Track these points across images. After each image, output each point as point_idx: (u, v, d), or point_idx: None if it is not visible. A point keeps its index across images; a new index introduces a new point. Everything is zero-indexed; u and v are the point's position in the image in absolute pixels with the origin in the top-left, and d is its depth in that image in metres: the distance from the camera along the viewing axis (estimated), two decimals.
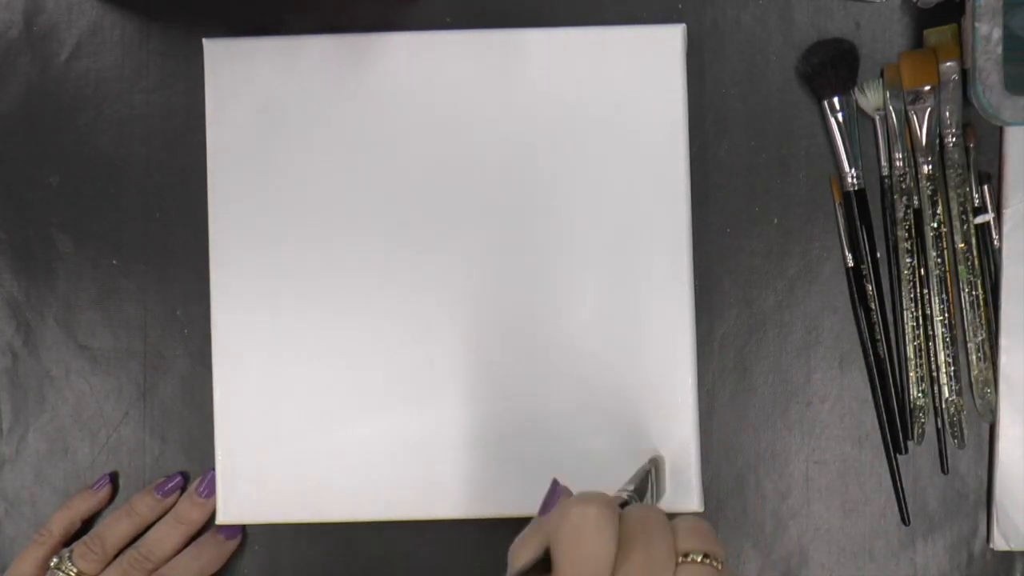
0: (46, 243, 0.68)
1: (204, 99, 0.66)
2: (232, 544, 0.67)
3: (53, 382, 0.68)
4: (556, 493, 0.51)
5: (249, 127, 0.65)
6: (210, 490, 0.66)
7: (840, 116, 0.66)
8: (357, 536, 0.67)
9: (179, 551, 0.66)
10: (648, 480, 0.59)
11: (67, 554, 0.64)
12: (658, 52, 0.64)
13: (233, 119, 0.65)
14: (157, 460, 0.68)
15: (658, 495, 0.62)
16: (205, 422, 0.67)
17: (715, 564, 0.48)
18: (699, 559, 0.48)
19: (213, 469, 0.66)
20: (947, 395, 0.66)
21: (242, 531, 0.67)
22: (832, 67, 0.66)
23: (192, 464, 0.68)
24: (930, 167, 0.65)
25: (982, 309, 0.66)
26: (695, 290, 0.65)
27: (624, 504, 0.51)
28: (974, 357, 0.66)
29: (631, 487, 0.56)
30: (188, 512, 0.66)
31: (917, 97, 0.65)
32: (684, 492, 0.64)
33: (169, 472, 0.68)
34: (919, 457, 0.67)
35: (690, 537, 0.48)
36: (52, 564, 0.65)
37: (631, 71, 0.64)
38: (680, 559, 0.48)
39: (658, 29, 0.65)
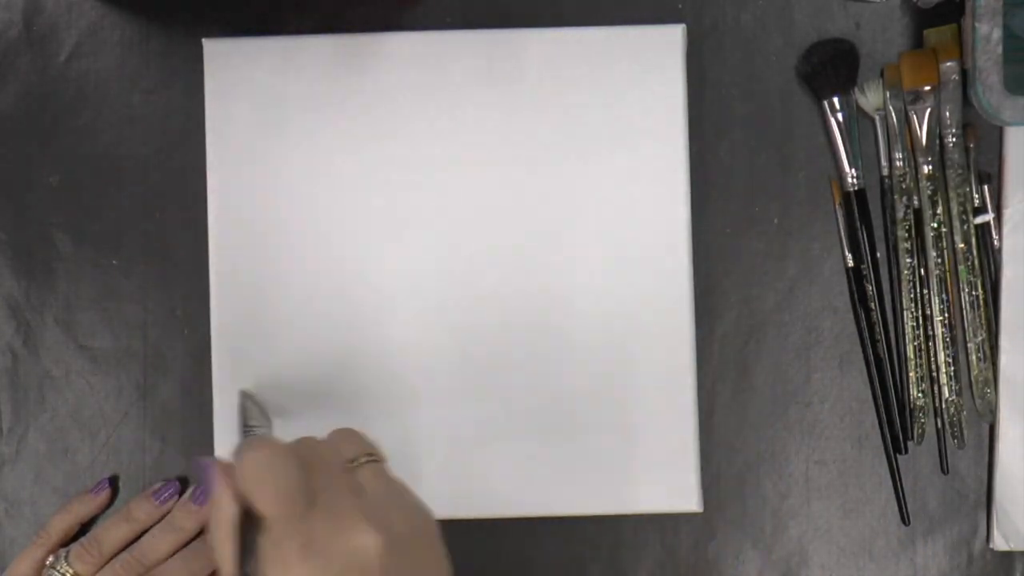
0: (46, 243, 0.68)
1: (204, 99, 0.66)
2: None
3: (53, 382, 0.68)
4: (208, 469, 0.53)
5: (249, 127, 0.65)
6: (205, 499, 0.66)
7: (840, 116, 0.66)
8: None
9: (172, 555, 0.66)
10: (261, 410, 0.63)
11: (63, 555, 0.64)
12: (658, 52, 0.64)
13: (233, 119, 0.65)
14: (157, 460, 0.68)
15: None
16: (205, 422, 0.67)
17: (377, 458, 0.53)
18: (363, 461, 0.52)
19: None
20: (947, 395, 0.66)
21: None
22: (832, 67, 0.66)
23: (192, 464, 0.68)
24: (930, 167, 0.65)
25: (982, 309, 0.66)
26: (695, 290, 0.65)
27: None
28: (974, 357, 0.66)
29: (260, 425, 0.61)
30: (182, 520, 0.66)
31: (917, 97, 0.65)
32: (684, 492, 0.64)
33: (169, 473, 0.68)
34: (919, 457, 0.67)
35: (346, 443, 0.53)
36: (48, 563, 0.65)
37: (631, 71, 0.64)
38: (351, 465, 0.52)
39: (658, 29, 0.65)
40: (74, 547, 0.65)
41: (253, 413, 0.62)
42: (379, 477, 0.52)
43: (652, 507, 0.65)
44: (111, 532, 0.65)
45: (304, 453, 0.51)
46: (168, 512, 0.66)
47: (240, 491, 0.50)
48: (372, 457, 0.53)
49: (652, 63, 0.64)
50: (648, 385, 0.64)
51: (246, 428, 0.61)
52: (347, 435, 0.54)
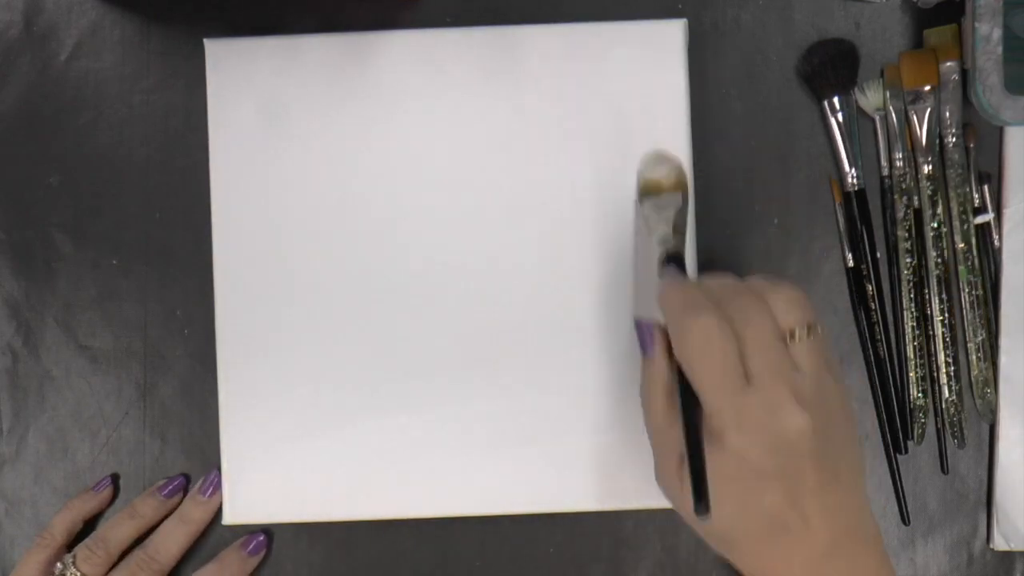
0: (46, 243, 0.68)
1: (204, 99, 0.66)
2: (255, 560, 0.66)
3: (53, 382, 0.68)
4: (647, 330, 0.54)
5: (250, 127, 0.65)
6: (213, 489, 0.66)
7: (840, 116, 0.66)
8: (358, 535, 0.67)
9: (185, 551, 0.66)
10: (684, 216, 0.59)
11: (70, 559, 0.64)
12: (660, 48, 0.64)
13: (234, 119, 0.65)
14: (157, 460, 0.68)
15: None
16: (205, 422, 0.67)
17: (818, 331, 0.52)
18: (806, 334, 0.51)
19: (216, 468, 0.66)
20: (947, 395, 0.66)
21: (266, 547, 0.67)
22: (832, 67, 0.66)
23: (192, 464, 0.68)
24: (930, 167, 0.65)
25: (982, 309, 0.66)
26: None
27: (674, 260, 0.55)
28: (974, 357, 0.66)
29: (674, 234, 0.57)
30: (192, 512, 0.66)
31: (917, 97, 0.65)
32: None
33: (170, 472, 0.68)
34: (919, 457, 0.67)
35: (789, 311, 0.51)
36: (56, 571, 0.64)
37: (633, 67, 0.64)
38: (788, 338, 0.51)
39: (659, 24, 0.65)
40: (80, 548, 0.65)
41: (675, 220, 0.58)
42: (816, 354, 0.52)
43: (655, 504, 0.64)
44: (116, 530, 0.65)
45: (742, 325, 0.51)
46: (174, 507, 0.67)
47: (677, 356, 0.52)
48: (812, 329, 0.52)
49: (653, 59, 0.64)
50: None
51: (668, 246, 0.57)
52: (791, 301, 0.52)
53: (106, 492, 0.67)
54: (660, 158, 0.61)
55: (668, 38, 0.64)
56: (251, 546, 0.66)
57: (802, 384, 0.51)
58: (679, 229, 0.58)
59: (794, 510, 0.51)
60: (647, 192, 0.61)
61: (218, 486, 0.66)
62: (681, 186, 0.61)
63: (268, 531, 0.67)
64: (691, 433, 0.51)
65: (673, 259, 0.56)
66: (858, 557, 0.53)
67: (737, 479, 0.51)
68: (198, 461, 0.68)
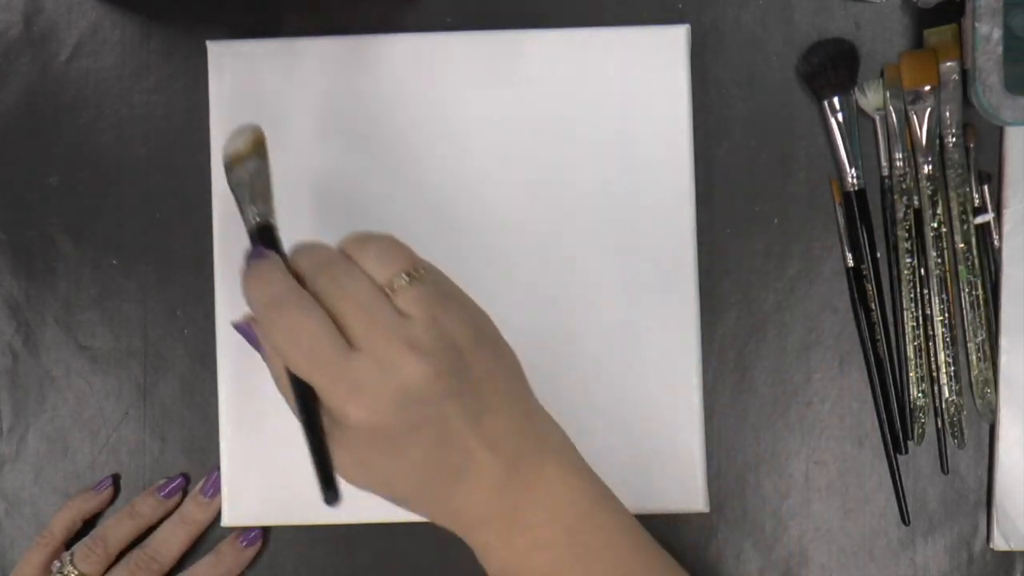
0: (46, 243, 0.68)
1: (204, 99, 0.66)
2: (251, 551, 0.66)
3: (53, 382, 0.68)
4: (248, 332, 0.52)
5: (255, 124, 0.65)
6: (215, 490, 0.66)
7: (840, 116, 0.66)
8: (357, 537, 0.67)
9: (185, 551, 0.66)
10: (266, 179, 0.55)
11: (68, 557, 0.64)
12: (662, 53, 0.64)
13: (236, 120, 0.65)
14: (157, 460, 0.68)
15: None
16: (205, 422, 0.67)
17: (421, 274, 0.49)
18: (406, 281, 0.49)
19: (217, 469, 0.66)
20: (947, 395, 0.66)
21: (261, 538, 0.67)
22: (832, 67, 0.66)
23: (192, 464, 0.68)
24: (930, 167, 0.65)
25: (982, 309, 0.66)
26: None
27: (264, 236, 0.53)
28: (974, 357, 0.66)
29: (257, 203, 0.54)
30: (193, 512, 0.66)
31: (917, 97, 0.65)
32: (690, 493, 0.64)
33: (169, 472, 0.68)
34: (919, 457, 0.67)
35: (382, 263, 0.49)
36: (54, 568, 0.64)
37: (635, 72, 0.64)
38: (388, 291, 0.49)
39: (662, 30, 0.65)
40: (78, 547, 0.65)
41: (251, 185, 0.55)
42: (424, 297, 0.49)
43: (658, 507, 0.65)
44: (115, 529, 0.65)
45: (335, 297, 0.49)
46: (173, 507, 0.67)
47: (275, 352, 0.50)
48: (414, 274, 0.50)
49: (656, 64, 0.64)
50: (653, 386, 0.64)
51: (249, 218, 0.54)
52: (383, 252, 0.50)
53: (106, 492, 0.67)
54: (236, 131, 0.56)
55: (670, 43, 0.64)
56: (247, 539, 0.66)
57: (413, 331, 0.48)
58: (262, 195, 0.54)
59: (454, 452, 0.50)
60: (231, 164, 0.55)
61: (220, 487, 0.66)
62: (261, 149, 0.56)
63: (266, 529, 0.67)
64: (308, 424, 0.49)
65: (260, 235, 0.53)
66: (542, 468, 0.52)
67: (378, 447, 0.49)
68: (198, 461, 0.68)
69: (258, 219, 0.54)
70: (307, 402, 0.50)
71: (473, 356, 0.50)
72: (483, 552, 0.53)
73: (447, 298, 0.51)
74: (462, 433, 0.50)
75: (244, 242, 0.64)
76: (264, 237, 0.54)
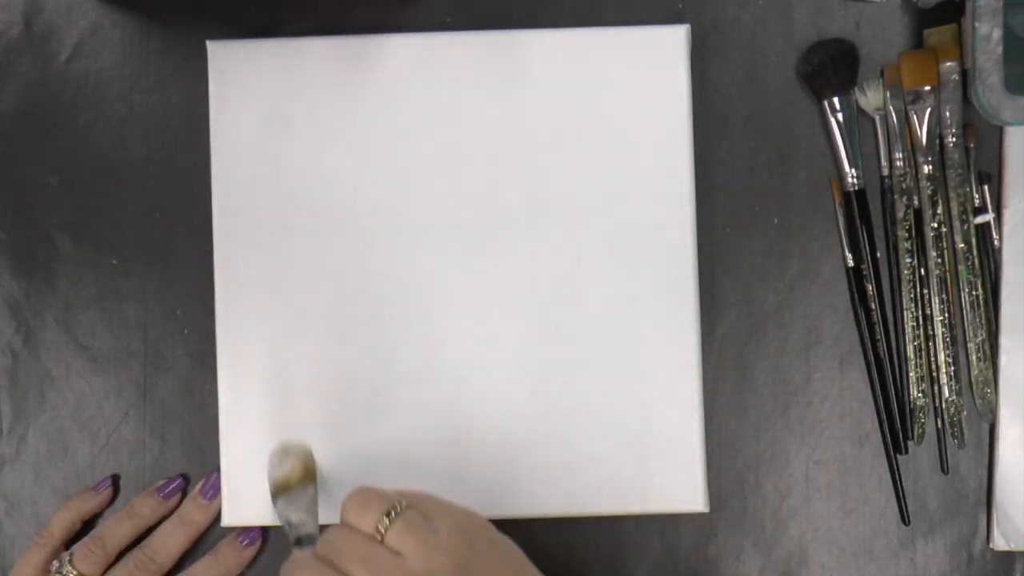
0: (46, 243, 0.68)
1: (204, 99, 0.66)
2: (251, 551, 0.66)
3: (53, 382, 0.68)
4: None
5: (252, 128, 0.65)
6: (214, 492, 0.66)
7: (840, 116, 0.66)
8: None
9: (183, 552, 0.66)
10: (316, 502, 0.60)
11: (67, 557, 0.64)
12: (662, 53, 0.64)
13: (236, 120, 0.65)
14: (157, 460, 0.68)
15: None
16: (205, 422, 0.67)
17: (399, 509, 0.53)
18: (388, 522, 0.52)
19: (217, 470, 0.66)
20: (947, 395, 0.66)
21: (261, 537, 0.67)
22: (832, 67, 0.66)
23: (192, 464, 0.68)
24: (930, 167, 0.65)
25: (982, 309, 0.66)
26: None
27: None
28: (974, 357, 0.66)
29: (308, 517, 0.59)
30: (192, 514, 0.66)
31: (917, 97, 0.65)
32: (690, 493, 0.64)
33: (169, 472, 0.68)
34: (919, 457, 0.67)
35: (363, 513, 0.53)
36: (53, 568, 0.64)
37: (635, 72, 0.64)
38: (378, 537, 0.52)
39: (662, 30, 0.65)
40: (77, 547, 0.65)
41: (294, 504, 0.60)
42: (408, 532, 0.52)
43: (658, 508, 0.65)
44: (114, 530, 0.65)
45: (334, 557, 0.52)
46: (172, 508, 0.66)
47: None
48: (395, 510, 0.53)
49: (656, 64, 0.64)
50: (653, 386, 0.64)
51: (291, 530, 0.59)
52: (361, 503, 0.54)
53: (106, 492, 0.67)
54: (284, 452, 0.61)
55: (671, 43, 0.64)
56: (246, 538, 0.66)
57: (411, 565, 0.51)
58: (312, 512, 0.60)
59: None
60: (278, 491, 0.60)
61: (220, 488, 0.66)
62: (309, 475, 0.61)
63: (265, 529, 0.67)
64: None
65: (306, 541, 0.58)
66: None
67: None
68: (198, 461, 0.68)
69: (304, 532, 0.59)
70: None
71: (471, 561, 0.53)
72: None
73: (430, 518, 0.53)
74: None
75: (245, 242, 0.65)
76: (310, 544, 0.58)
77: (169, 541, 0.65)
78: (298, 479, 0.60)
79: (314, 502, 0.60)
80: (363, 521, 0.53)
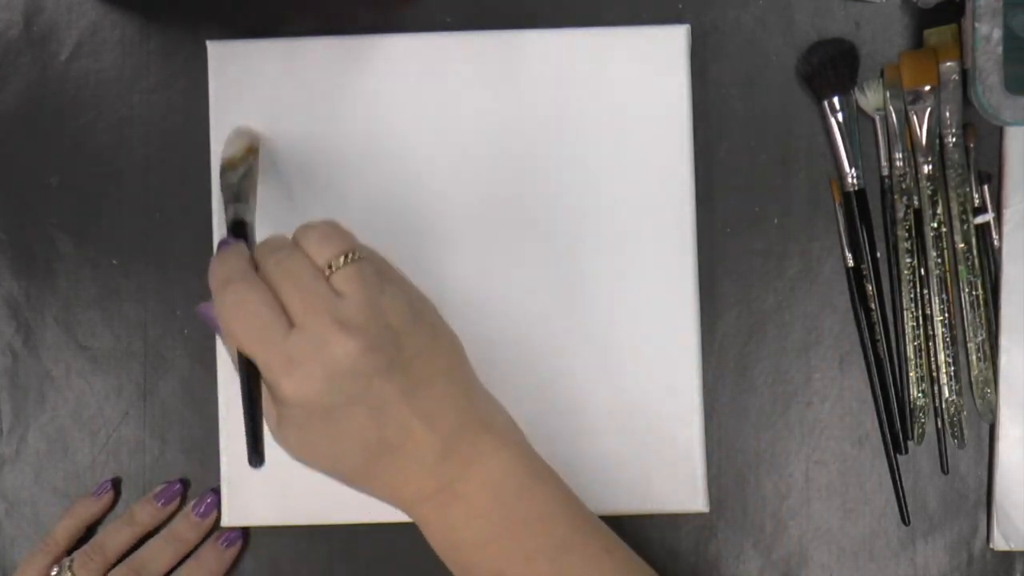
0: (46, 243, 0.68)
1: (204, 99, 0.66)
2: (232, 552, 0.66)
3: (53, 382, 0.68)
4: (208, 315, 0.54)
5: (252, 128, 0.65)
6: (208, 511, 0.66)
7: (840, 116, 0.66)
8: (358, 537, 0.67)
9: (172, 568, 0.66)
10: (252, 180, 0.59)
11: (68, 563, 0.64)
12: (662, 53, 0.64)
13: (236, 120, 0.65)
14: (157, 460, 0.68)
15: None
16: (205, 422, 0.67)
17: (358, 255, 0.52)
18: (342, 262, 0.52)
19: (212, 490, 0.66)
20: (947, 395, 0.66)
21: (243, 538, 0.67)
22: (832, 67, 0.66)
23: (192, 464, 0.68)
24: (930, 167, 0.65)
25: (982, 309, 0.66)
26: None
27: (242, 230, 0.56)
28: (974, 357, 0.66)
29: (237, 202, 0.57)
30: (183, 532, 0.66)
31: (917, 97, 0.65)
32: (690, 493, 0.64)
33: (170, 473, 0.68)
34: (919, 457, 0.67)
35: (323, 245, 0.52)
36: (53, 574, 0.64)
37: (635, 72, 0.64)
38: (327, 272, 0.52)
39: (662, 30, 0.65)
40: (78, 555, 0.65)
41: (237, 187, 0.59)
42: (359, 277, 0.51)
43: (658, 508, 0.65)
44: (114, 537, 0.65)
45: (275, 274, 0.51)
46: (172, 513, 0.66)
47: (223, 327, 0.52)
48: (351, 256, 0.52)
49: (656, 64, 0.64)
50: (653, 386, 0.64)
51: (228, 215, 0.58)
52: (323, 236, 0.53)
53: (107, 496, 0.67)
54: (234, 135, 0.61)
55: (671, 44, 0.64)
56: (227, 539, 0.66)
57: (346, 309, 0.50)
58: (243, 195, 0.58)
59: (388, 426, 0.51)
60: (224, 168, 0.60)
61: (213, 507, 0.65)
62: (252, 151, 0.61)
63: (246, 529, 0.67)
64: (245, 392, 0.52)
65: (233, 229, 0.57)
66: (480, 444, 0.53)
67: (312, 422, 0.51)
68: (198, 461, 0.68)
69: (234, 215, 0.57)
70: (248, 375, 0.52)
71: (407, 335, 0.52)
72: (423, 525, 0.55)
73: (383, 279, 0.53)
74: (397, 408, 0.51)
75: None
76: (236, 231, 0.56)
77: (157, 557, 0.65)
78: (241, 157, 0.60)
79: (250, 181, 0.59)
80: (318, 251, 0.52)
